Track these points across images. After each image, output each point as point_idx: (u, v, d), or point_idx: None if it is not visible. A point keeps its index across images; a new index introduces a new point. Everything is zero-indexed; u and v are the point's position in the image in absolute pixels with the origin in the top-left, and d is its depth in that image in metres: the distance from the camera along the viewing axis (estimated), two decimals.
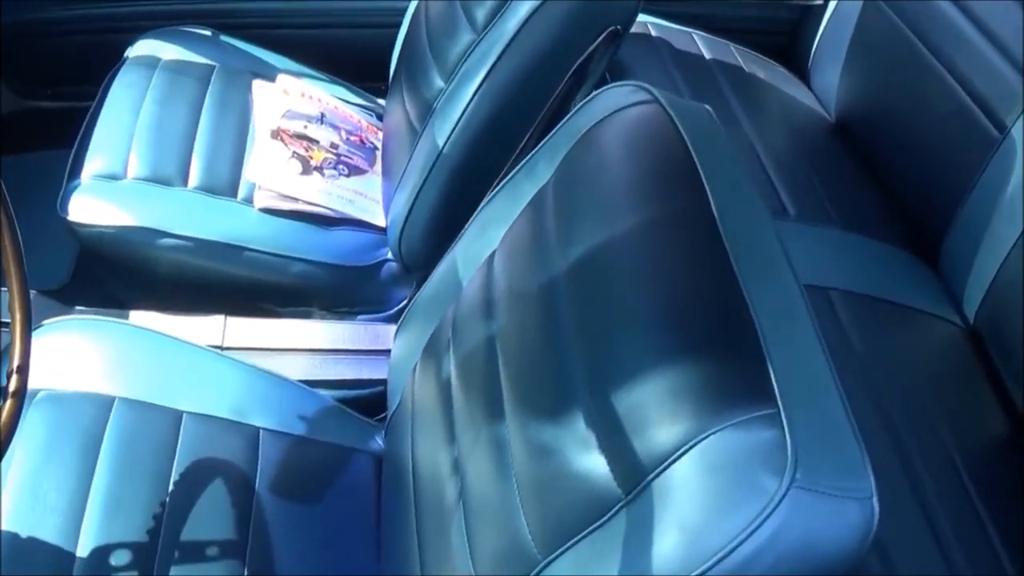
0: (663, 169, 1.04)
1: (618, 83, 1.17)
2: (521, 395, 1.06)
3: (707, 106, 1.14)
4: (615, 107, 1.14)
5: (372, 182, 1.98)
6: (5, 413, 1.22)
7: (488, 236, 1.28)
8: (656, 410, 0.86)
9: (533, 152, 1.24)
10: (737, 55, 2.38)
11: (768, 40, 2.53)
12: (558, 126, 1.22)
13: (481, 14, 1.62)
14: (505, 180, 1.28)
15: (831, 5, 2.31)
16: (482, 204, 1.33)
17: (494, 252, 1.24)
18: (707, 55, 2.32)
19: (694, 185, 0.99)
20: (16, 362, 1.25)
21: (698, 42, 2.37)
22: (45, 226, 1.87)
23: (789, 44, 2.53)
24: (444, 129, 1.64)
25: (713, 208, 0.95)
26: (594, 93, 1.18)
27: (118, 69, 2.15)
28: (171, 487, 1.42)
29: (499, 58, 1.55)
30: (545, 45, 1.53)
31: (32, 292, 1.88)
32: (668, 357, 0.88)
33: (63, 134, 2.08)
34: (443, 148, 1.64)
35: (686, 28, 2.41)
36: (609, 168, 1.09)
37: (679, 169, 1.01)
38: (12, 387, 1.23)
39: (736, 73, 2.29)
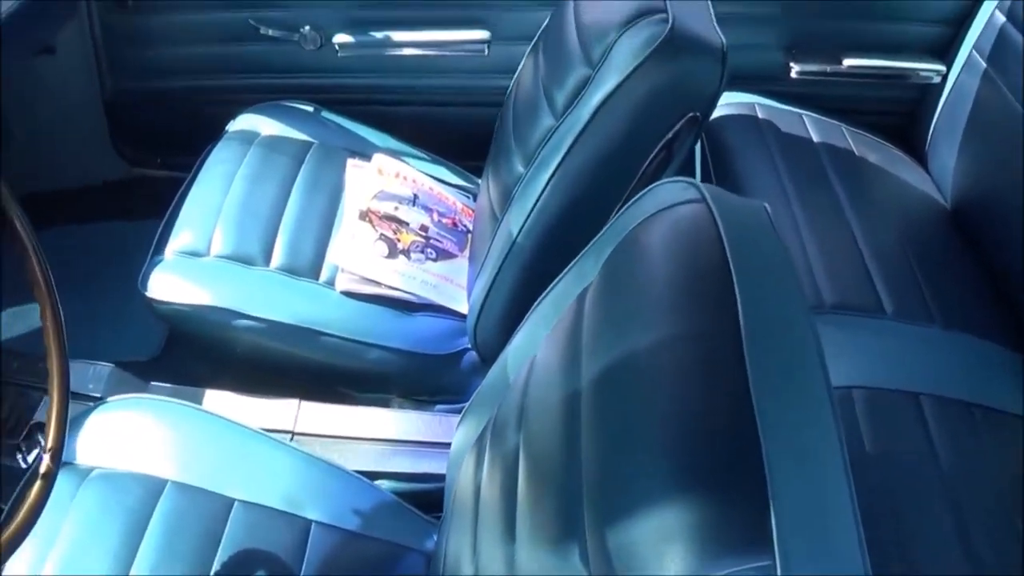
0: (698, 278, 0.98)
1: (670, 179, 1.12)
2: (532, 517, 1.00)
3: (765, 204, 1.07)
4: (663, 205, 1.08)
5: (460, 267, 1.96)
6: (33, 495, 1.24)
7: (534, 336, 1.24)
8: (646, 550, 0.79)
9: (585, 249, 1.20)
10: (849, 137, 2.29)
11: (885, 121, 2.44)
12: (609, 223, 1.17)
13: (561, 99, 1.59)
14: (559, 278, 1.24)
15: (949, 82, 2.22)
16: (537, 301, 1.28)
17: (536, 355, 1.20)
18: (816, 138, 2.24)
19: (727, 297, 0.92)
20: (50, 444, 1.28)
21: (807, 124, 2.29)
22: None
23: (907, 125, 2.43)
24: (519, 217, 1.61)
25: (742, 324, 0.89)
26: (645, 189, 1.13)
27: (216, 143, 2.18)
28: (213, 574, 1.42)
29: (573, 145, 1.51)
30: (619, 133, 1.49)
31: (110, 366, 1.93)
32: (667, 491, 0.81)
33: (167, 205, 2.11)
34: (516, 237, 1.60)
35: (796, 109, 2.34)
36: (646, 273, 1.03)
37: (715, 278, 0.95)
38: (43, 469, 1.26)
39: (846, 157, 2.20)
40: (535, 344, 1.22)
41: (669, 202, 1.07)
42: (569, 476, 0.94)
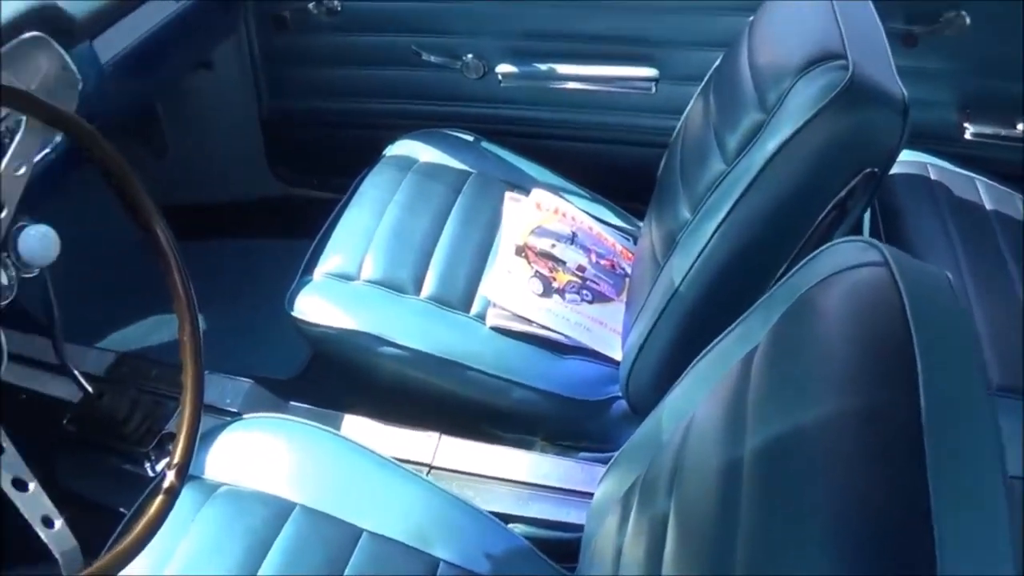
0: (877, 349, 0.94)
1: (848, 239, 1.07)
2: None
3: (947, 273, 1.03)
4: (841, 266, 1.04)
5: (615, 311, 1.93)
6: (154, 508, 1.27)
7: (693, 395, 1.20)
8: None
9: (752, 308, 1.16)
10: None
11: None
12: (779, 282, 1.13)
13: (733, 143, 1.56)
14: (722, 335, 1.21)
15: None
16: (698, 358, 1.25)
17: (694, 415, 1.16)
18: (989, 205, 2.15)
19: (907, 372, 0.88)
20: (177, 459, 1.31)
21: (980, 189, 2.20)
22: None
23: None
24: (682, 266, 1.57)
25: (922, 404, 0.84)
26: (821, 248, 1.09)
27: (372, 167, 2.20)
28: None
29: (743, 193, 1.47)
30: (792, 184, 1.44)
31: (249, 382, 1.96)
32: None
33: (320, 226, 2.14)
34: (679, 286, 1.57)
35: (969, 172, 2.25)
36: (820, 341, 0.99)
37: (895, 351, 0.91)
38: (166, 484, 1.29)
39: (1018, 229, 2.11)
40: (693, 403, 1.18)
41: (847, 264, 1.03)
42: (724, 548, 0.90)
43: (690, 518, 1.02)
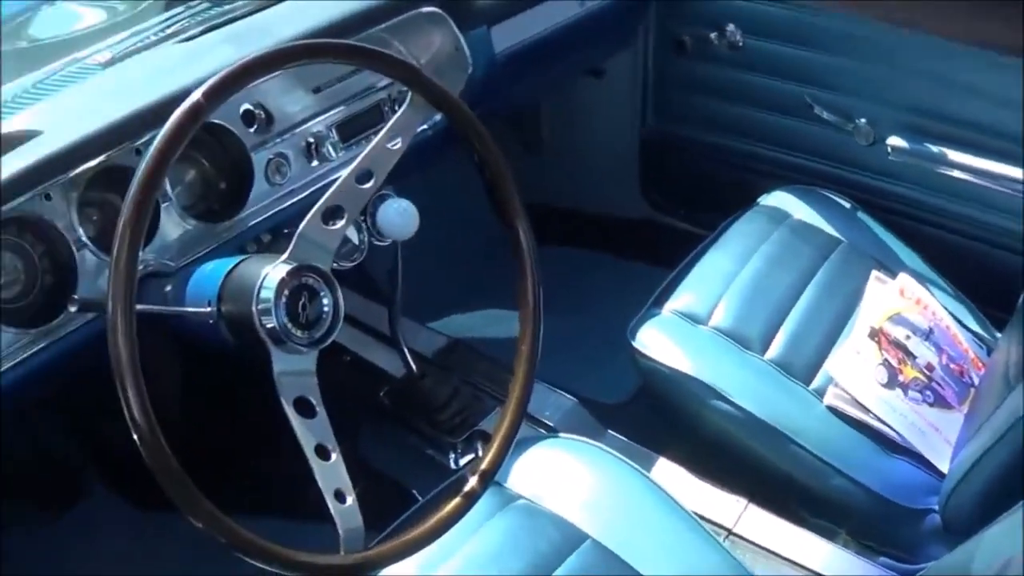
0: None
1: None
2: None
3: None
4: None
5: (953, 421, 1.88)
6: (449, 507, 1.33)
7: (1015, 535, 1.17)
8: None
9: None
10: None
11: None
12: None
13: None
14: None
15: None
16: None
17: (1013, 557, 1.13)
18: None
19: None
20: (485, 464, 1.36)
21: None
22: None
23: None
24: None
25: None
26: None
27: (744, 212, 2.22)
28: None
29: None
30: None
31: (573, 400, 2.01)
32: None
33: (679, 257, 2.16)
34: None
35: None
36: None
37: None
38: (467, 487, 1.34)
39: None
40: (1015, 544, 1.16)
41: None
42: None
43: None
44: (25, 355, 1.44)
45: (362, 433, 2.08)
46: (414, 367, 1.92)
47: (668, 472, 1.87)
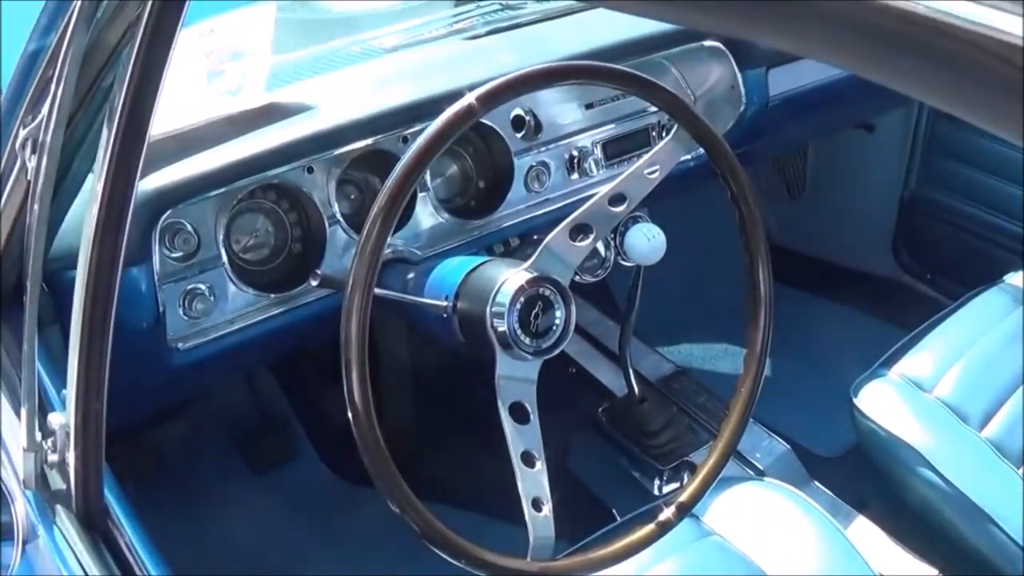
0: None
1: None
2: None
3: None
4: None
5: None
6: (641, 534, 1.32)
7: None
8: None
9: None
10: None
11: None
12: None
13: None
14: None
15: None
16: None
17: None
18: None
19: None
20: (685, 497, 1.36)
21: None
22: None
23: None
24: None
25: None
26: None
27: (990, 287, 2.16)
28: None
29: None
30: None
31: (786, 447, 1.99)
32: None
33: (918, 321, 2.11)
34: None
35: None
36: None
37: None
38: (663, 516, 1.34)
39: None
40: None
41: None
42: None
43: None
44: (260, 318, 1.51)
45: (574, 445, 2.11)
46: (636, 389, 1.93)
47: (865, 532, 1.85)
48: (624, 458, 2.04)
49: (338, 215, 1.53)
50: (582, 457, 2.09)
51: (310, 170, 1.51)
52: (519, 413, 1.25)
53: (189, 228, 1.43)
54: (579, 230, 1.30)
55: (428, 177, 1.61)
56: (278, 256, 1.55)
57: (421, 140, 1.23)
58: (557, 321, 1.29)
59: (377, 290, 1.23)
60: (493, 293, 1.27)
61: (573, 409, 2.08)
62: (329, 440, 2.34)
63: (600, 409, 2.06)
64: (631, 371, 1.96)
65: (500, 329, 1.25)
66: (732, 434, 1.41)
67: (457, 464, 2.15)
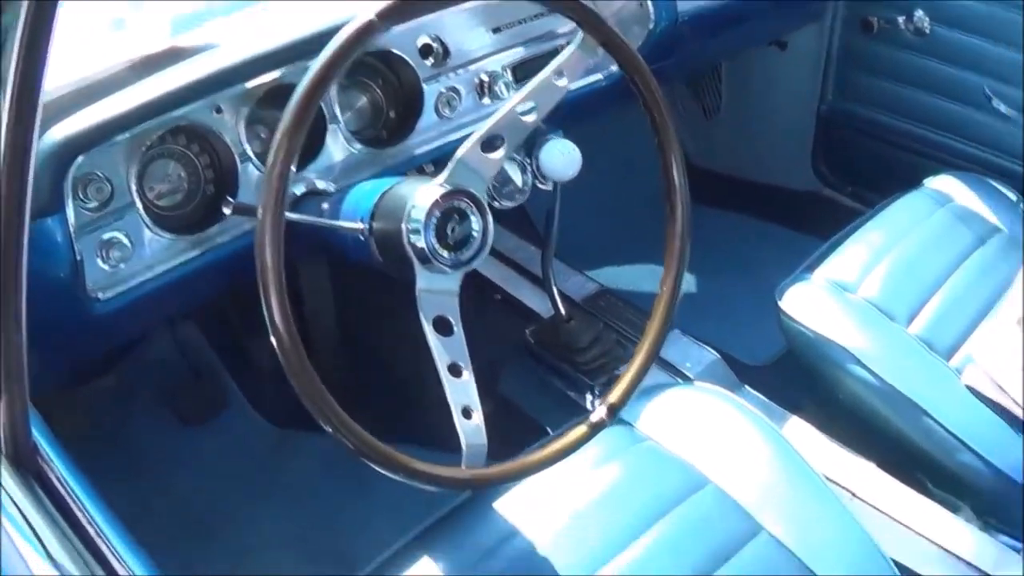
0: None
1: None
2: None
3: None
4: None
5: None
6: (573, 435, 1.32)
7: None
8: None
9: None
10: None
11: None
12: None
13: None
14: None
15: None
16: None
17: None
18: None
19: None
20: (612, 398, 1.35)
21: None
22: None
23: None
24: None
25: None
26: None
27: (908, 192, 2.17)
28: None
29: None
30: None
31: (716, 355, 1.99)
32: None
33: (832, 229, 2.13)
34: None
35: None
36: None
37: None
38: (594, 418, 1.34)
39: None
40: None
41: None
42: None
43: None
44: (178, 261, 1.47)
45: (505, 370, 2.09)
46: (562, 309, 1.92)
47: (799, 431, 1.85)
48: (555, 377, 2.02)
49: (249, 153, 1.50)
50: (514, 381, 2.07)
51: (218, 110, 1.47)
52: (442, 326, 1.24)
53: (101, 176, 1.38)
54: (491, 142, 1.29)
55: (338, 110, 1.58)
56: (192, 199, 1.51)
57: (322, 56, 1.20)
58: (474, 232, 1.27)
59: (293, 215, 1.21)
60: (408, 210, 1.25)
61: (501, 335, 2.06)
62: (259, 386, 2.31)
63: (527, 331, 2.04)
64: (555, 292, 1.94)
65: (418, 245, 1.24)
66: (658, 332, 1.41)
67: (388, 384, 2.13)
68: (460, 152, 1.28)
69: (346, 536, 2.02)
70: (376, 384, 2.15)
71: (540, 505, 1.49)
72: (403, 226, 1.24)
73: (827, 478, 1.64)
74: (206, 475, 2.19)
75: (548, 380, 2.03)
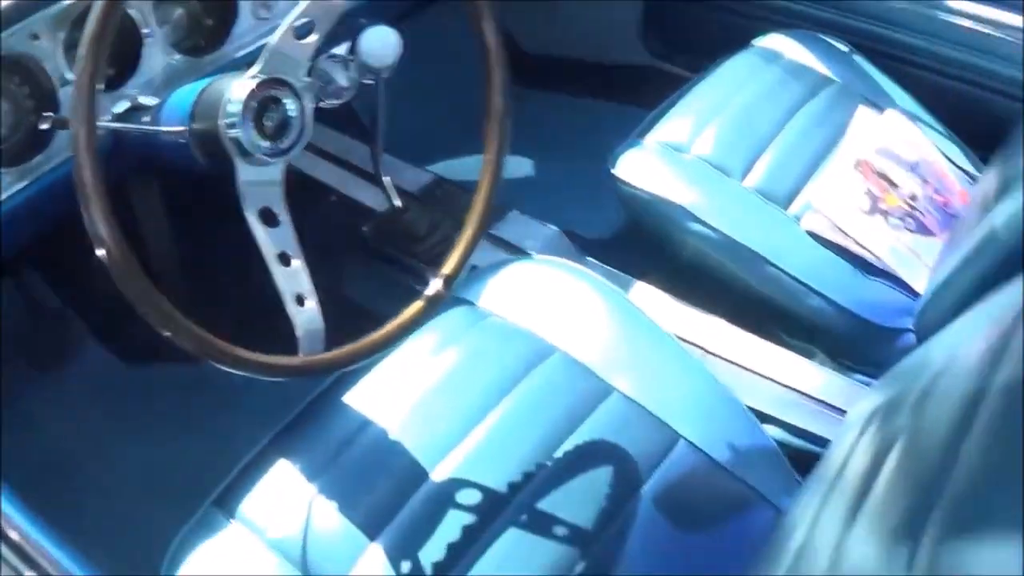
0: None
1: None
2: (879, 506, 0.90)
3: None
4: None
5: (934, 248, 1.79)
6: (411, 311, 1.30)
7: (971, 328, 1.11)
8: None
9: None
10: None
11: None
12: None
13: None
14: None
15: None
16: (989, 293, 1.15)
17: (961, 344, 1.07)
18: None
19: None
20: (446, 270, 1.32)
21: None
22: None
23: None
24: (1007, 209, 1.44)
25: None
26: None
27: (737, 52, 2.13)
28: (559, 452, 1.41)
29: None
30: None
31: (555, 230, 1.95)
32: None
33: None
34: (997, 228, 1.44)
35: None
36: None
37: None
38: (431, 292, 1.31)
39: None
40: (968, 335, 1.10)
41: None
42: (934, 478, 0.83)
43: (915, 441, 0.95)
44: (4, 196, 1.43)
45: (347, 271, 2.04)
46: (397, 201, 1.86)
47: (647, 296, 1.82)
48: (396, 269, 1.98)
49: (68, 77, 1.44)
50: (356, 279, 2.03)
51: (35, 37, 1.41)
52: (268, 217, 1.23)
53: None
54: (302, 29, 1.25)
55: (155, 23, 1.53)
56: (17, 131, 1.45)
57: None
58: (291, 115, 1.25)
59: (111, 124, 1.21)
60: (223, 105, 1.21)
61: (340, 236, 2.00)
62: (108, 324, 2.23)
63: (364, 228, 1.99)
64: (388, 184, 1.89)
65: (236, 138, 1.20)
66: (484, 202, 1.39)
67: (235, 296, 2.07)
68: (271, 42, 1.24)
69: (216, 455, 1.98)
70: (224, 298, 2.09)
71: (391, 392, 1.48)
72: (220, 122, 1.21)
73: (679, 338, 1.63)
74: (66, 419, 2.13)
75: (389, 273, 1.98)
